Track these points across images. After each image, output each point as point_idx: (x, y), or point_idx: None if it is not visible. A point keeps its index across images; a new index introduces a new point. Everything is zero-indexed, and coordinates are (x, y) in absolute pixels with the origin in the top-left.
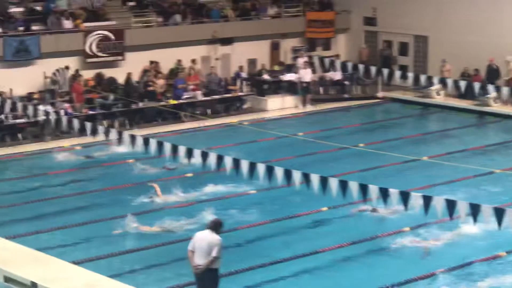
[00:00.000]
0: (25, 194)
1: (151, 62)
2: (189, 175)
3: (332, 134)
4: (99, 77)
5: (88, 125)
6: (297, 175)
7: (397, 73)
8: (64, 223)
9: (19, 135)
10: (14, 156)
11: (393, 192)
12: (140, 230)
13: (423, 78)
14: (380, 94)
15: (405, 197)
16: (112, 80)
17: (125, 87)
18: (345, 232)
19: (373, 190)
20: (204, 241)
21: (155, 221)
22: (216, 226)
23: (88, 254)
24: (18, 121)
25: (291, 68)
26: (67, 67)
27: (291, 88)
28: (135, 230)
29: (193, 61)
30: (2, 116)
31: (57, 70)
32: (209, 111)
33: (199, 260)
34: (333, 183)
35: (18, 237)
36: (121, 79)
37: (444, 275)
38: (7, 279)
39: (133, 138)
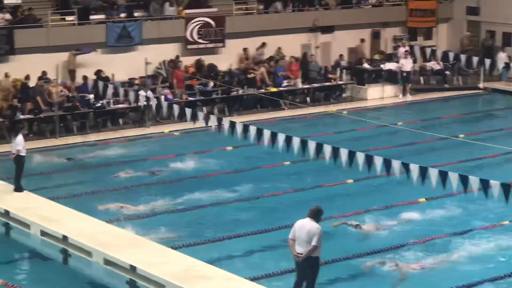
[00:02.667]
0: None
1: (244, 50)
2: (287, 163)
3: (432, 124)
4: (199, 64)
5: (188, 111)
6: (396, 165)
7: (500, 64)
8: (164, 208)
9: (120, 120)
10: (114, 141)
11: (494, 184)
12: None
13: None
14: (482, 84)
15: (506, 189)
16: (212, 67)
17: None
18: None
19: (474, 181)
20: (304, 229)
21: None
22: (316, 214)
23: (186, 239)
24: (119, 106)
25: (391, 57)
26: (172, 61)
27: (391, 77)
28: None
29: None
30: (104, 101)
31: (161, 63)
32: (308, 99)
33: (300, 249)
34: (433, 173)
35: (118, 221)
36: (221, 66)
37: None
38: (107, 262)
39: (232, 124)
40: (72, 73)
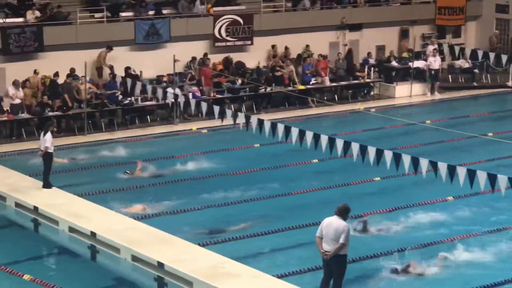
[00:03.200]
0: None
1: (273, 47)
2: (315, 161)
3: (460, 123)
4: (227, 61)
5: (216, 108)
6: (424, 163)
7: None
8: (190, 206)
9: (148, 117)
10: (142, 138)
11: None
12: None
13: None
14: (510, 83)
15: None
16: (240, 64)
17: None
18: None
19: (502, 180)
20: (331, 227)
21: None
22: (343, 212)
23: (213, 236)
24: (147, 103)
25: (420, 55)
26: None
27: (420, 75)
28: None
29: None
30: (132, 98)
31: (190, 61)
32: (336, 97)
33: (327, 246)
34: (461, 172)
35: (145, 218)
36: (249, 64)
37: None
38: (135, 259)
39: (260, 122)
40: (99, 70)
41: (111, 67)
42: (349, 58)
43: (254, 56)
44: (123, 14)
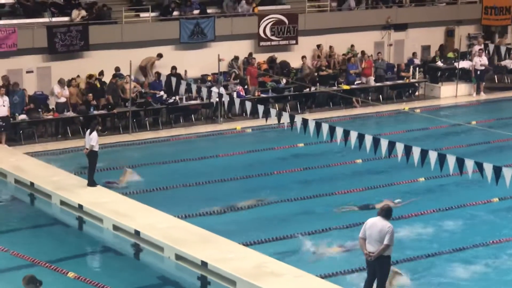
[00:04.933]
0: (196, 174)
1: (318, 46)
2: (358, 161)
3: (507, 123)
4: (271, 61)
5: (260, 108)
6: (469, 164)
7: None
8: (235, 205)
9: (192, 117)
10: (187, 137)
11: None
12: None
13: None
14: None
15: None
16: (285, 64)
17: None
18: None
19: None
20: (375, 228)
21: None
22: (387, 213)
23: (257, 236)
24: (191, 102)
25: (465, 55)
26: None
27: (465, 75)
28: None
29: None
30: (177, 97)
31: (232, 59)
32: (381, 97)
33: (371, 248)
34: (507, 173)
35: (190, 217)
36: (293, 63)
37: None
38: (179, 257)
39: (305, 122)
40: (143, 70)
41: (156, 73)
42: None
43: (299, 55)
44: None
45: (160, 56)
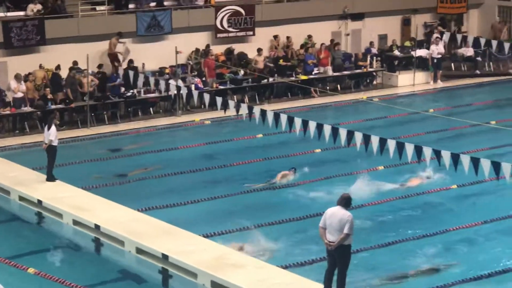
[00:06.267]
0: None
1: (275, 37)
2: (317, 150)
3: (463, 111)
4: (229, 52)
5: (219, 99)
6: (427, 152)
7: None
8: (196, 197)
9: (151, 110)
10: (145, 130)
11: None
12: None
13: None
14: None
15: None
16: (243, 55)
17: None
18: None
19: (506, 168)
20: (335, 217)
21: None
22: (346, 202)
23: (218, 227)
24: (150, 95)
25: (422, 44)
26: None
27: (422, 64)
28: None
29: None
30: (135, 91)
31: (192, 52)
32: (339, 86)
33: (331, 237)
34: (465, 160)
35: (150, 210)
36: (251, 54)
37: None
38: (139, 251)
39: (263, 113)
40: (111, 57)
41: (125, 52)
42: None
43: (256, 46)
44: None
45: (119, 34)
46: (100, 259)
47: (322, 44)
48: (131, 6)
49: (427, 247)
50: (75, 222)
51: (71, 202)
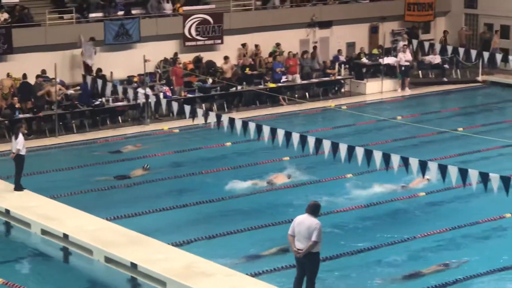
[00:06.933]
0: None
1: (243, 45)
2: (286, 158)
3: (431, 118)
4: (197, 60)
5: (187, 108)
6: (395, 159)
7: (498, 57)
8: (165, 206)
9: (119, 118)
10: (114, 139)
11: (494, 177)
12: None
13: None
14: (481, 78)
15: (506, 182)
16: (211, 64)
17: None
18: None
19: (473, 174)
20: (303, 225)
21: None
22: (314, 210)
23: (187, 236)
24: (118, 104)
25: (390, 52)
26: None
27: (390, 71)
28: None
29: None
30: (103, 99)
31: (161, 61)
32: (307, 94)
33: (300, 245)
34: (433, 167)
35: (118, 218)
36: (219, 63)
37: None
38: (108, 260)
39: (232, 121)
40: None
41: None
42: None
43: (225, 55)
44: (93, 14)
45: (92, 39)
46: (68, 268)
47: (289, 52)
48: (99, 14)
49: (393, 255)
50: (43, 232)
51: (39, 211)
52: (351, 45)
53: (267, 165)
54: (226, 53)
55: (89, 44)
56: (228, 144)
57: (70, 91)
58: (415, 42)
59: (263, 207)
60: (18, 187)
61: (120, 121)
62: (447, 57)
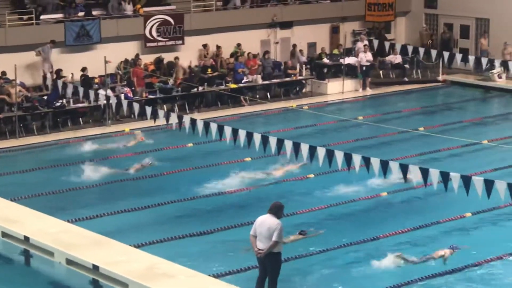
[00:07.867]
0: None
1: (204, 46)
2: (248, 159)
3: (392, 118)
4: (159, 61)
5: (148, 109)
6: (357, 159)
7: (458, 56)
8: (127, 207)
9: (80, 120)
10: (75, 140)
11: (454, 176)
12: None
13: (484, 61)
14: (441, 77)
15: (466, 181)
16: (172, 65)
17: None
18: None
19: (434, 174)
20: (264, 225)
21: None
22: (276, 210)
23: (148, 237)
24: (79, 105)
25: (350, 52)
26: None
27: (351, 71)
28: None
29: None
30: (64, 101)
31: (122, 62)
32: (268, 95)
33: (261, 245)
34: (394, 166)
35: (79, 220)
36: (180, 63)
37: None
38: (69, 262)
39: (193, 122)
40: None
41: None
42: None
43: (186, 55)
44: (53, 16)
45: (52, 42)
46: (29, 271)
47: (249, 53)
48: (59, 15)
49: (351, 254)
50: (4, 234)
51: (0, 214)
52: (312, 46)
53: (229, 166)
54: (187, 54)
55: (48, 47)
56: (190, 145)
57: (33, 93)
58: (375, 42)
59: (226, 208)
60: None
61: (82, 123)
62: (407, 57)
